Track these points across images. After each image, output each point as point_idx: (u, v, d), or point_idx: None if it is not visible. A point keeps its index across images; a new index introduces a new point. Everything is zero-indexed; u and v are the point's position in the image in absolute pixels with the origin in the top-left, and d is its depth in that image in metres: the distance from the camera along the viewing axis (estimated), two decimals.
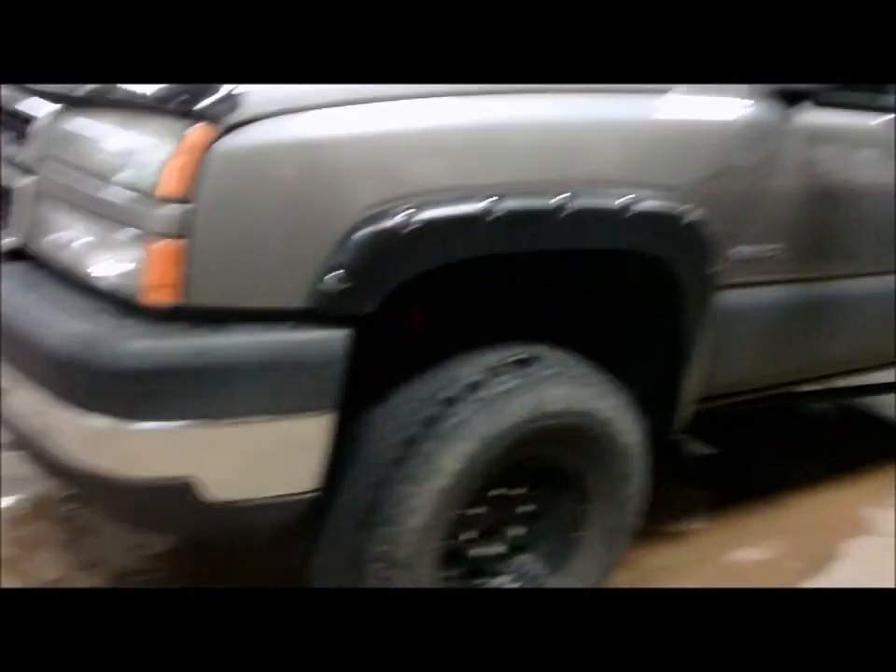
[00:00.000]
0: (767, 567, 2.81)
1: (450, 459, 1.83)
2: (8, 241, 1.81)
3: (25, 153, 1.78)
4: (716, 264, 2.09)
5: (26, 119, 1.80)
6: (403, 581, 1.88)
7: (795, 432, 3.87)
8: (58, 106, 1.73)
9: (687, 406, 2.27)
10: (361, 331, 1.71)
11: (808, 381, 2.80)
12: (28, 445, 1.84)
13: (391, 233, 1.66)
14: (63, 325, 1.60)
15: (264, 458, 1.72)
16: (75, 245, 1.69)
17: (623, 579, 2.50)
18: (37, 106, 1.78)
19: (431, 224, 1.69)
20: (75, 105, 1.71)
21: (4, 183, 1.85)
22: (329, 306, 1.66)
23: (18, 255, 1.81)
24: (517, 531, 2.16)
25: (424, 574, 1.92)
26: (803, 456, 3.56)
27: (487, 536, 2.14)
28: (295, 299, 1.65)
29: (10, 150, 1.83)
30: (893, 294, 2.65)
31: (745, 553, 2.86)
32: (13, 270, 1.78)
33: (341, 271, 1.64)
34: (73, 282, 1.70)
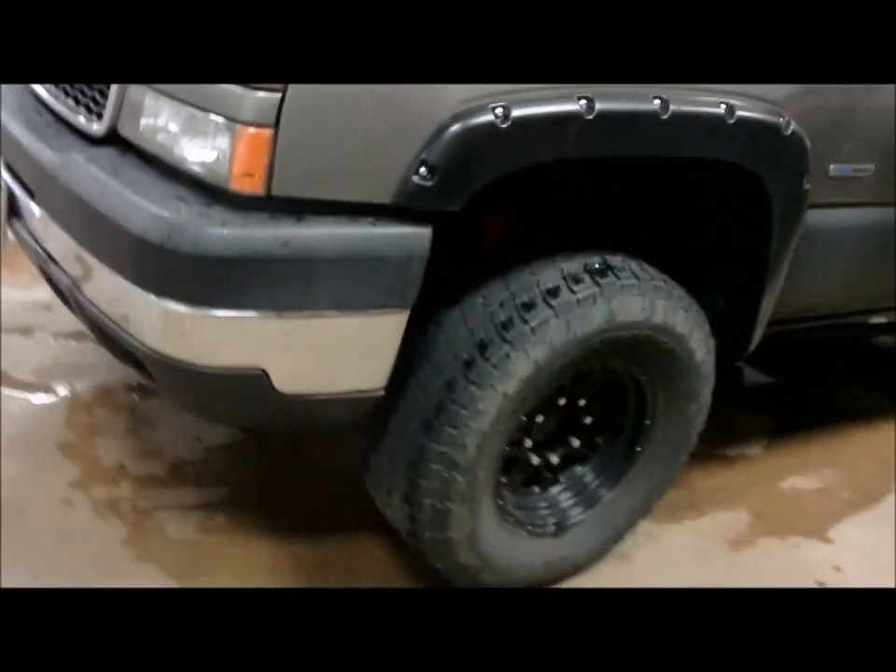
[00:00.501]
0: (820, 495, 2.79)
1: (521, 365, 1.81)
2: (99, 126, 1.78)
3: None
4: (810, 181, 2.01)
5: None
6: (461, 484, 1.87)
7: (860, 366, 3.80)
8: None
9: (762, 327, 2.22)
10: (444, 231, 1.67)
11: (885, 311, 2.73)
12: (102, 333, 1.83)
13: (482, 130, 1.60)
14: (148, 210, 1.58)
15: (338, 353, 1.71)
16: (164, 131, 1.65)
17: (676, 499, 2.50)
18: None
19: (524, 123, 1.62)
20: None
21: None
22: (414, 202, 1.62)
23: (108, 140, 1.78)
24: (577, 441, 2.15)
25: (483, 479, 1.91)
26: (866, 390, 3.50)
27: (547, 444, 2.13)
28: (380, 193, 1.61)
29: None
30: None
31: (799, 480, 2.84)
32: (101, 155, 1.74)
33: (429, 166, 1.59)
34: (159, 169, 1.67)
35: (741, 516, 2.62)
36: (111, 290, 1.70)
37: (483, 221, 2.01)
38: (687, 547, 2.45)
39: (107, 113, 1.75)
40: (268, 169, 1.54)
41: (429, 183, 1.60)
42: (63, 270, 1.85)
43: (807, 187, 2.03)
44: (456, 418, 1.81)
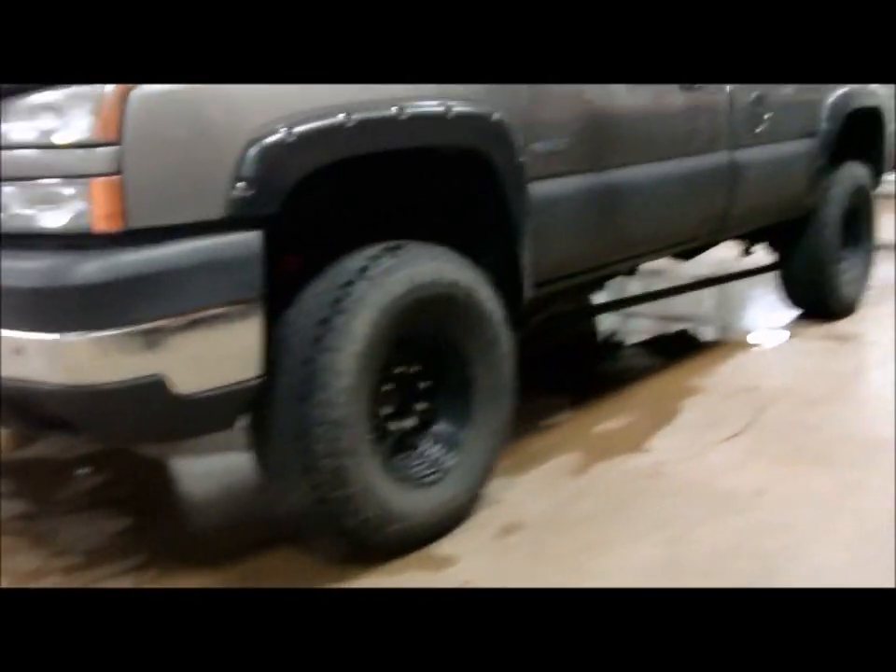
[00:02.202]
0: (628, 430, 3.36)
1: (358, 326, 2.26)
2: None
3: None
4: (521, 155, 2.65)
5: None
6: (344, 439, 2.26)
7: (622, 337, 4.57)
8: None
9: (530, 282, 2.80)
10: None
11: (623, 261, 3.42)
12: (13, 408, 2.12)
13: (277, 145, 2.11)
14: (30, 266, 1.95)
15: (215, 348, 2.10)
16: (27, 207, 2.02)
17: (516, 460, 2.99)
18: None
19: (305, 135, 2.15)
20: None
21: None
22: (241, 212, 2.09)
23: None
24: (423, 405, 2.60)
25: (361, 435, 2.31)
26: (631, 352, 4.23)
27: (401, 413, 2.57)
28: (213, 210, 2.06)
29: None
30: (671, 176, 3.39)
31: (607, 425, 3.41)
32: None
33: (245, 180, 2.07)
34: (29, 241, 2.03)
35: (572, 457, 3.12)
36: (11, 352, 2.01)
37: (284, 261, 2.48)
38: (539, 485, 2.91)
39: None
40: (122, 207, 1.95)
41: (247, 194, 2.08)
42: None
43: (522, 159, 2.67)
44: (322, 383, 2.23)
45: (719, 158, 3.70)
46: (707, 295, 5.30)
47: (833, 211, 4.52)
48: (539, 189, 2.78)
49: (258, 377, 2.20)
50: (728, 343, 4.47)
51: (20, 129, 2.04)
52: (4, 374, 2.06)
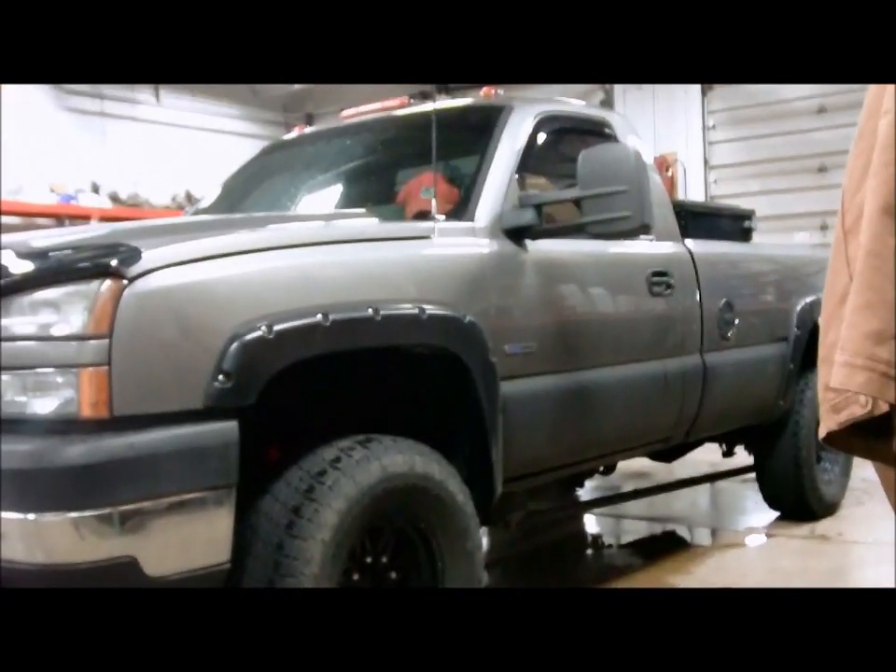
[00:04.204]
0: None
1: (328, 516, 2.36)
2: None
3: None
4: (494, 356, 2.83)
5: None
6: None
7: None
8: None
9: (500, 477, 2.90)
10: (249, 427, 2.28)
11: (593, 459, 3.52)
12: None
13: (256, 342, 2.28)
14: (19, 449, 2.07)
15: (188, 532, 2.18)
16: (18, 395, 2.16)
17: None
18: None
19: (283, 333, 2.33)
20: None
21: None
22: (220, 402, 2.23)
23: None
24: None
25: None
26: (616, 552, 4.26)
27: None
28: (194, 400, 2.21)
29: None
30: (641, 378, 3.55)
31: None
32: None
33: (225, 373, 2.23)
34: (21, 427, 2.14)
35: None
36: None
37: (265, 452, 2.61)
38: None
39: None
40: (109, 396, 2.11)
41: (226, 386, 2.23)
42: None
43: (493, 360, 2.84)
44: (292, 568, 2.30)
45: (689, 361, 3.88)
46: (701, 496, 5.41)
47: (808, 413, 4.65)
48: (510, 387, 2.93)
49: (228, 562, 2.27)
50: (711, 543, 4.51)
51: (21, 323, 2.20)
52: None
